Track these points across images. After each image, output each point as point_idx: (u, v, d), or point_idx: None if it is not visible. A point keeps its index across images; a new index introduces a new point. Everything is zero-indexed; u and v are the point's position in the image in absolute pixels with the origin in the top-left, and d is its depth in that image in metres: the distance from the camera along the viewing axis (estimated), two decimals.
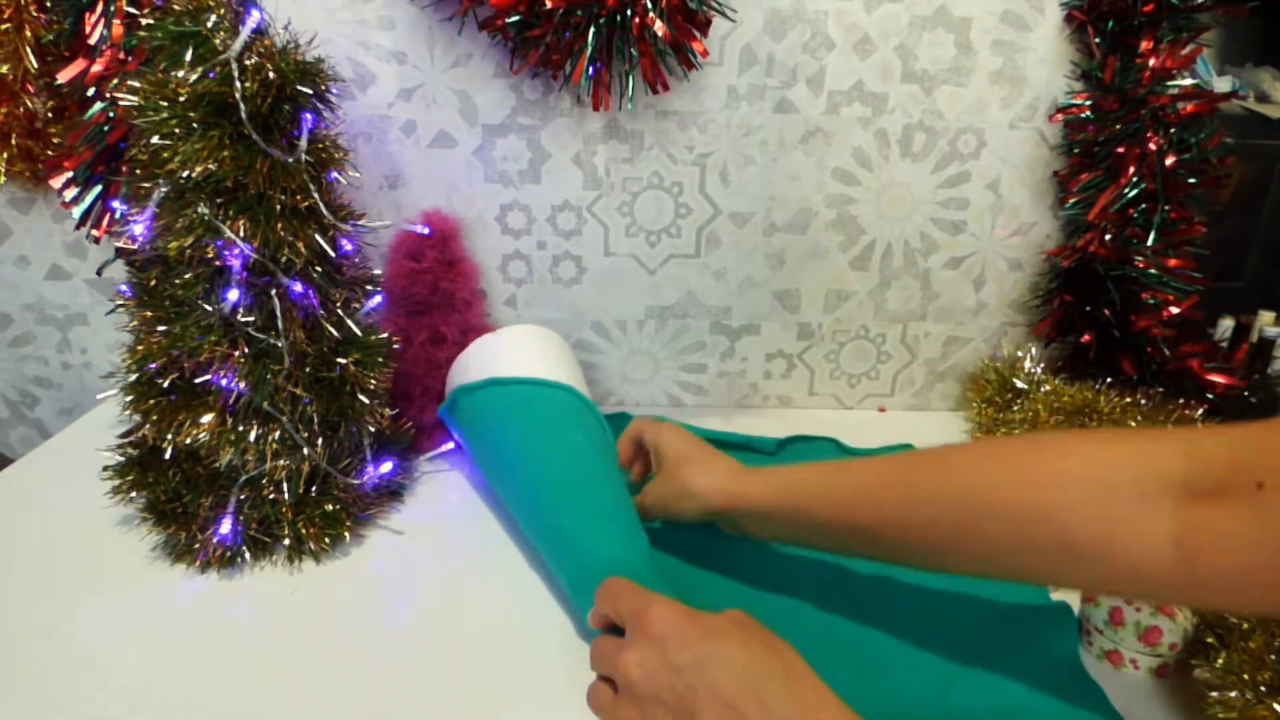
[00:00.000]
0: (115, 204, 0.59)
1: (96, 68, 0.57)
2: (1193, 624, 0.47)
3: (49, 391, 0.83)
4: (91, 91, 0.58)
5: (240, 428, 0.53)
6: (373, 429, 0.59)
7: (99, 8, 0.57)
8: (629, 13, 0.59)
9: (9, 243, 0.75)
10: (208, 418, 0.52)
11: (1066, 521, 0.37)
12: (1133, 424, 0.63)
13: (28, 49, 0.62)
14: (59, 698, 0.45)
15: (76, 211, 0.61)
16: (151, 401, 0.53)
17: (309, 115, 0.53)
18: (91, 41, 0.57)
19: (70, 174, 0.60)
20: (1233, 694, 0.42)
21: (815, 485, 0.48)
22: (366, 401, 0.57)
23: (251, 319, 0.52)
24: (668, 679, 0.36)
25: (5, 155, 0.66)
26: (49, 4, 0.61)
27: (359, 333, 0.57)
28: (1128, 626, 0.48)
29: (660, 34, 0.60)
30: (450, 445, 0.69)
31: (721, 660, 0.36)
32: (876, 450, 0.72)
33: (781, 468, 0.51)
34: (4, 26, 0.61)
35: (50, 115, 0.66)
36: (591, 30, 0.59)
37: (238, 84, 0.48)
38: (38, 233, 0.74)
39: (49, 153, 0.66)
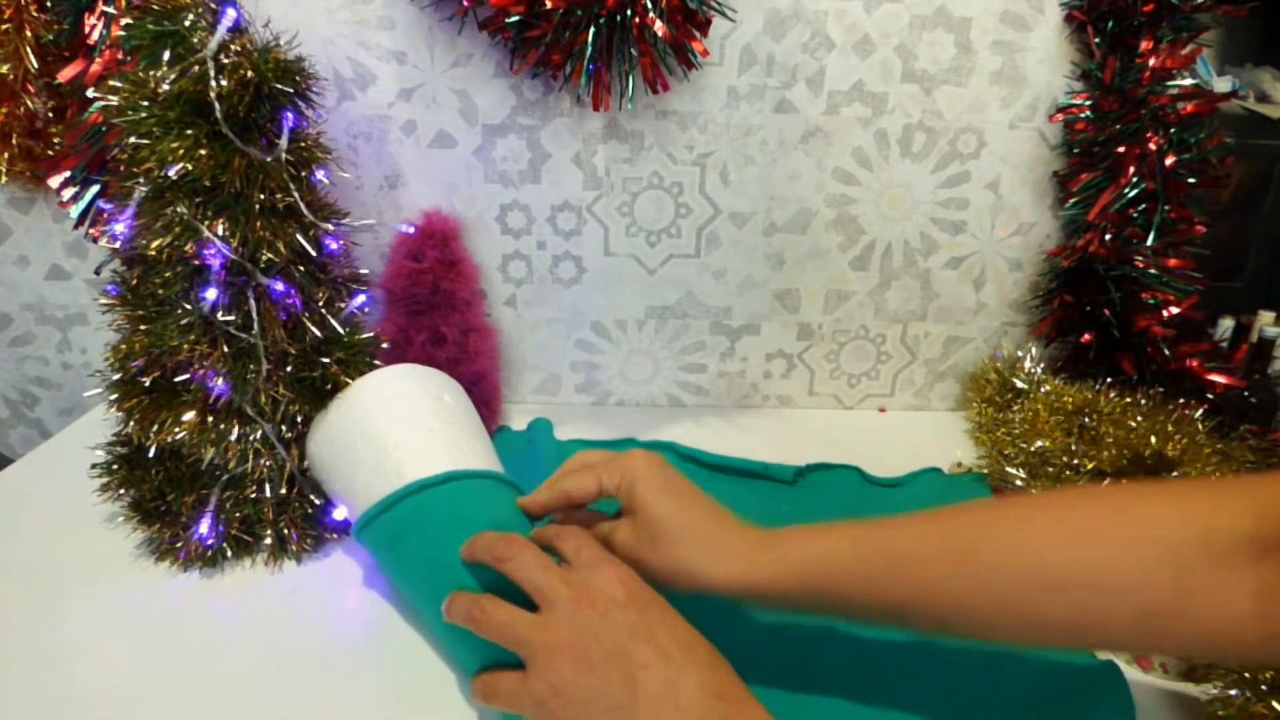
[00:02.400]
0: (102, 204, 0.59)
1: (95, 67, 0.57)
2: None
3: (49, 391, 0.83)
4: (91, 91, 0.58)
5: (221, 426, 0.53)
6: None
7: (98, 8, 0.57)
8: (629, 13, 0.59)
9: (9, 243, 0.75)
10: (188, 416, 0.52)
11: (1143, 593, 0.35)
12: (1138, 421, 0.62)
13: (28, 49, 0.62)
14: (55, 696, 0.45)
15: (74, 211, 0.61)
16: (134, 400, 0.53)
17: (289, 114, 0.53)
18: (91, 41, 0.57)
19: (68, 173, 0.60)
20: (1233, 692, 0.42)
21: (844, 560, 0.41)
22: None
23: (231, 318, 0.51)
24: (616, 620, 0.38)
25: (6, 155, 0.66)
26: (49, 4, 0.61)
27: (342, 332, 0.57)
28: None
29: (660, 34, 0.60)
30: None
31: (668, 626, 0.39)
32: (901, 479, 0.68)
33: (798, 537, 0.43)
34: (4, 27, 0.61)
35: (51, 115, 0.66)
36: (591, 30, 0.59)
37: (214, 82, 0.48)
38: (38, 233, 0.74)
39: (50, 153, 0.66)
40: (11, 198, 0.73)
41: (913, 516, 0.42)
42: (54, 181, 0.61)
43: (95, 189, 0.60)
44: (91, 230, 0.62)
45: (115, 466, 0.57)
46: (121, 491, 0.56)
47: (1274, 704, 0.40)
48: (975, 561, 0.39)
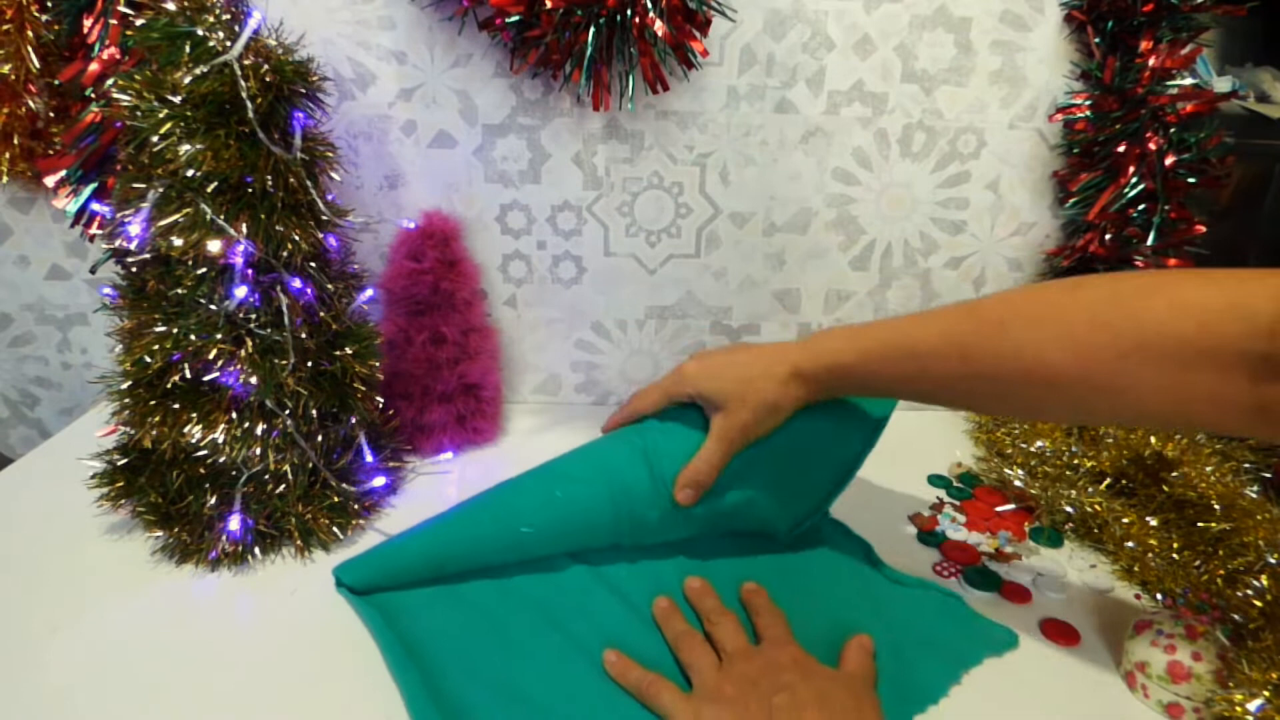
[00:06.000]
0: (95, 205, 0.59)
1: (94, 67, 0.57)
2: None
3: (49, 391, 0.83)
4: (90, 90, 0.58)
5: (246, 424, 0.53)
6: (366, 420, 0.61)
7: (98, 8, 0.57)
8: (629, 13, 0.59)
9: (9, 243, 0.75)
10: (218, 417, 0.52)
11: (1135, 397, 0.38)
12: None
13: (29, 49, 0.62)
14: (66, 698, 0.45)
15: (70, 209, 0.61)
16: (153, 404, 0.53)
17: (300, 114, 0.53)
18: (91, 41, 0.57)
19: (64, 172, 0.60)
20: (1239, 694, 0.42)
21: (874, 361, 0.48)
22: (365, 389, 0.59)
23: (255, 316, 0.52)
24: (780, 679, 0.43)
25: (7, 155, 0.66)
26: (49, 4, 0.61)
27: (354, 326, 0.58)
28: (1194, 682, 0.44)
29: (660, 34, 0.60)
30: (449, 455, 0.69)
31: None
32: (913, 585, 0.55)
33: (842, 336, 0.50)
34: (6, 27, 0.61)
35: (52, 115, 0.66)
36: (591, 30, 0.59)
37: (243, 84, 0.49)
38: (38, 233, 0.74)
39: (50, 153, 0.66)
40: (12, 198, 0.73)
41: (940, 319, 0.46)
42: (50, 180, 0.60)
43: (92, 187, 0.60)
44: (86, 229, 0.62)
45: (115, 475, 0.56)
46: (124, 501, 0.56)
47: None
48: (985, 366, 0.43)
